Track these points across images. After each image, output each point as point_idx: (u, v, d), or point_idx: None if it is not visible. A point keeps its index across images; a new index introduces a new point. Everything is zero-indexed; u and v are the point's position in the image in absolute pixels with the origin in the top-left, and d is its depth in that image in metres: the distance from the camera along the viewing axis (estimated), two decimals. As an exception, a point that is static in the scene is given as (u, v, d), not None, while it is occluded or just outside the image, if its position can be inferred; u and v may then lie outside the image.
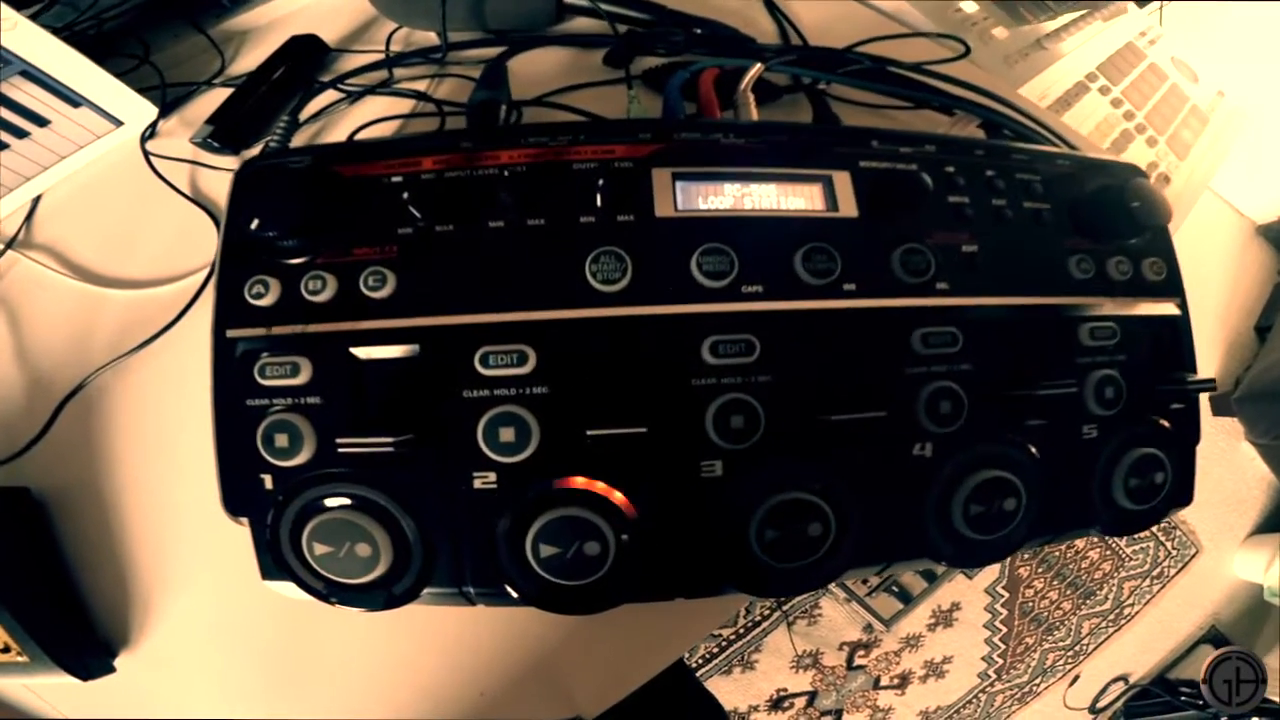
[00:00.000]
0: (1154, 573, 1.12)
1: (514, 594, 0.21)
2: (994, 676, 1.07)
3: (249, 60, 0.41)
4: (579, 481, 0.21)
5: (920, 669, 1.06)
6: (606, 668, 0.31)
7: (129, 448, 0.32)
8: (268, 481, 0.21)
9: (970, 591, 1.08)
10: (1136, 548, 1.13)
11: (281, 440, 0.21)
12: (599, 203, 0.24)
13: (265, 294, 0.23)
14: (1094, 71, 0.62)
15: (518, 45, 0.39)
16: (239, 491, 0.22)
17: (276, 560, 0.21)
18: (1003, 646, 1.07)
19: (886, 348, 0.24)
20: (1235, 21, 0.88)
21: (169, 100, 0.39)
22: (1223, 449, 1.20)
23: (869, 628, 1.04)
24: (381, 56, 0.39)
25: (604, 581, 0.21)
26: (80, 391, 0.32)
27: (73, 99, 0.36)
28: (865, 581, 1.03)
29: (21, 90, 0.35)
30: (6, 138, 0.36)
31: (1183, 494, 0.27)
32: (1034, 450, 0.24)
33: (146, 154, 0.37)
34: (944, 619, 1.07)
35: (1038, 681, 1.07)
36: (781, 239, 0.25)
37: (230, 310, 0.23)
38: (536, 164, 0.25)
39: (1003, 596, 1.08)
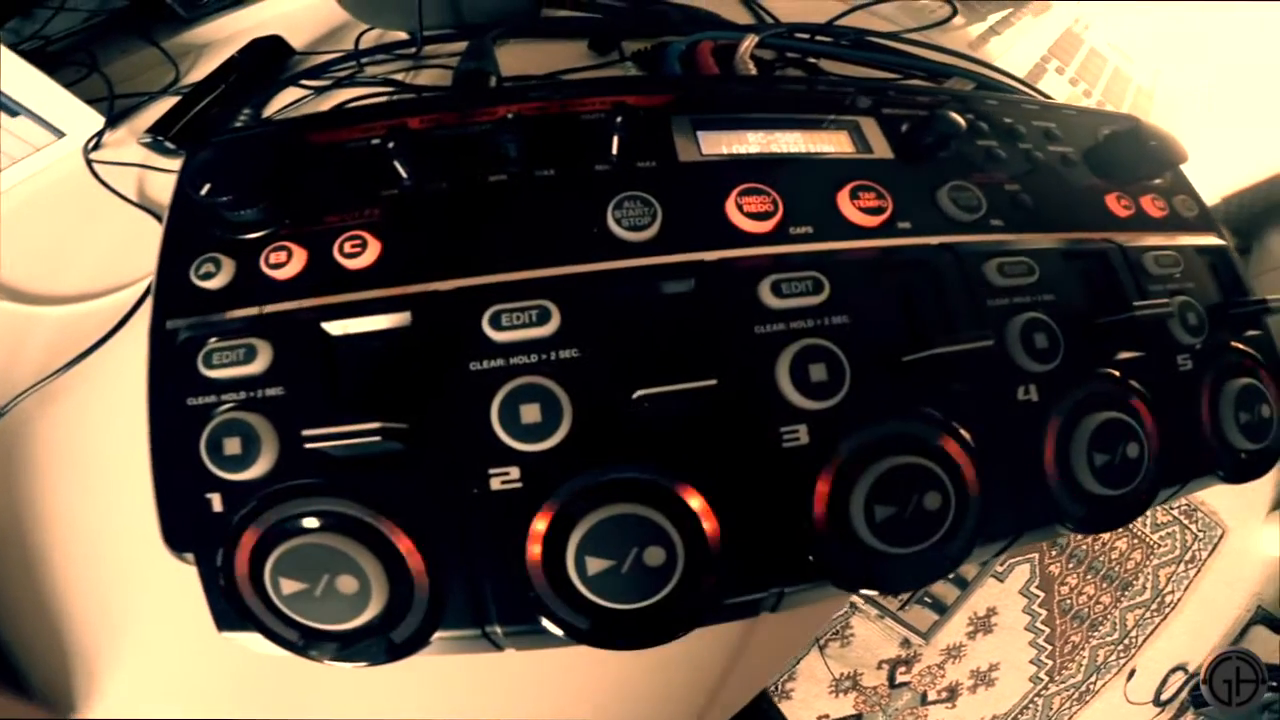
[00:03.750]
0: (1185, 557, 1.09)
1: (555, 629, 0.16)
2: (1047, 679, 1.00)
3: (206, 72, 0.37)
4: (630, 472, 0.16)
5: (968, 679, 0.99)
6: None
7: (60, 486, 0.26)
8: (216, 502, 0.16)
9: (1005, 595, 1.02)
10: (1163, 534, 1.10)
11: (232, 445, 0.16)
12: (615, 149, 0.21)
13: (216, 273, 0.18)
14: (1047, 54, 0.65)
15: (499, 34, 0.37)
16: (181, 519, 0.17)
17: (235, 606, 0.16)
18: (1049, 647, 1.01)
19: (963, 282, 0.21)
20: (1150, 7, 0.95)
21: (117, 112, 0.35)
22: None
23: (906, 642, 0.97)
24: (349, 51, 0.36)
25: (673, 599, 0.16)
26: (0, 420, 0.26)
27: (10, 108, 0.32)
28: (895, 594, 0.97)
29: (-51, 99, 0.30)
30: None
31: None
32: (1139, 387, 0.21)
33: (89, 162, 0.32)
34: (983, 625, 1.01)
35: (1093, 679, 1.01)
36: (821, 179, 0.23)
37: (172, 297, 0.18)
38: (542, 116, 0.22)
39: (1038, 596, 1.03)
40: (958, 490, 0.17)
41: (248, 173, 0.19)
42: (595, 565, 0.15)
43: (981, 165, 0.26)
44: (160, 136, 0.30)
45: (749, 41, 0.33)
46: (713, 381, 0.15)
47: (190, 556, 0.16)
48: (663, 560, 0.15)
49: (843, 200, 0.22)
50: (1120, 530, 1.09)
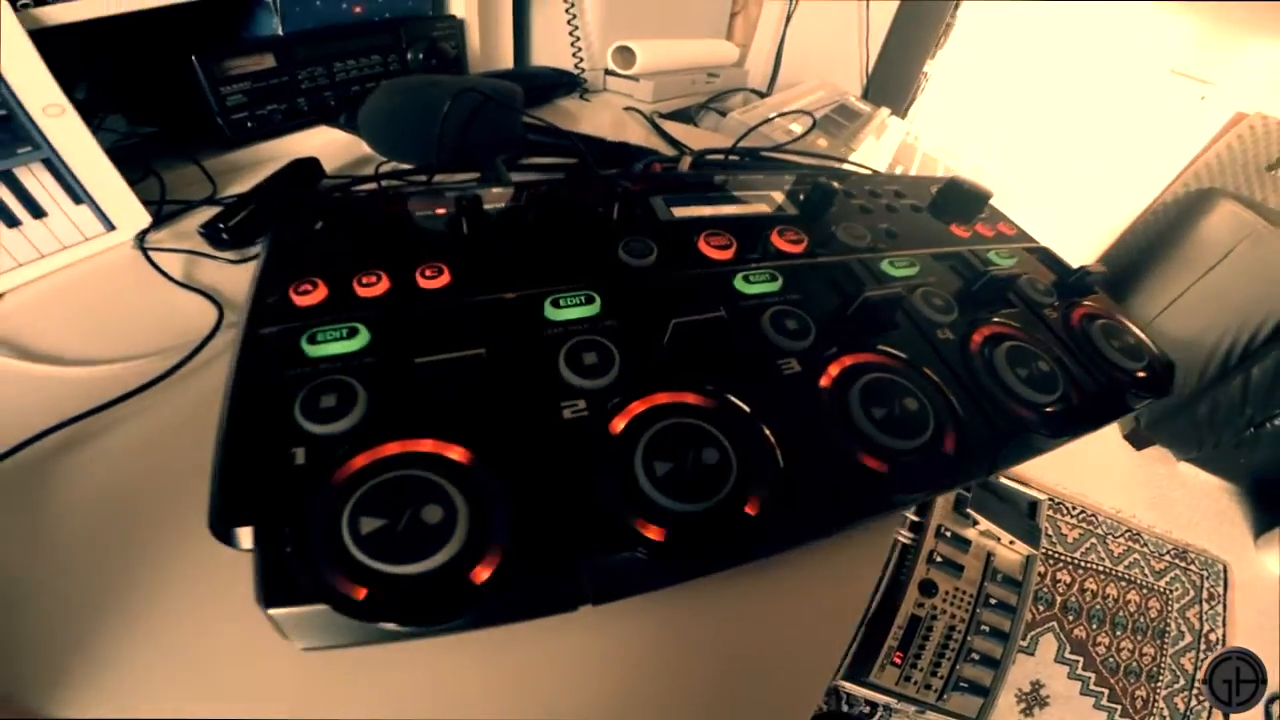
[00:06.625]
0: (1204, 595, 1.09)
1: (643, 548, 0.17)
2: (1141, 737, 0.88)
3: (241, 189, 0.44)
4: (673, 394, 0.20)
5: (1053, 757, 0.84)
6: None
7: (84, 514, 0.23)
8: (299, 456, 0.17)
9: (1042, 666, 0.97)
10: (1168, 579, 1.11)
11: (328, 400, 0.18)
12: (615, 213, 0.30)
13: (313, 291, 0.23)
14: (892, 160, 0.91)
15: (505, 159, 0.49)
16: (248, 487, 0.17)
17: (304, 561, 0.15)
18: (1118, 706, 0.94)
19: (869, 273, 0.30)
20: (955, 118, 1.32)
21: (163, 214, 0.40)
22: (1166, 474, 1.28)
23: (959, 732, 0.88)
24: (370, 175, 0.46)
25: (736, 493, 0.18)
26: (14, 455, 0.24)
27: (77, 195, 0.34)
28: (929, 686, 0.90)
29: (35, 178, 0.33)
30: (-3, 225, 0.32)
31: (1151, 350, 0.32)
32: (1018, 328, 0.29)
33: (144, 249, 0.36)
34: (1035, 700, 0.94)
35: (1189, 727, 0.90)
36: (757, 226, 0.33)
37: (268, 308, 0.22)
38: (560, 197, 0.31)
39: (1077, 661, 0.98)
40: (931, 399, 0.22)
41: (348, 221, 0.25)
42: (661, 467, 0.18)
43: (858, 215, 0.37)
44: (221, 225, 0.36)
45: (687, 160, 0.47)
46: (721, 313, 0.21)
47: (243, 533, 0.16)
48: (717, 460, 0.18)
49: (775, 237, 0.32)
50: (1124, 583, 1.09)
